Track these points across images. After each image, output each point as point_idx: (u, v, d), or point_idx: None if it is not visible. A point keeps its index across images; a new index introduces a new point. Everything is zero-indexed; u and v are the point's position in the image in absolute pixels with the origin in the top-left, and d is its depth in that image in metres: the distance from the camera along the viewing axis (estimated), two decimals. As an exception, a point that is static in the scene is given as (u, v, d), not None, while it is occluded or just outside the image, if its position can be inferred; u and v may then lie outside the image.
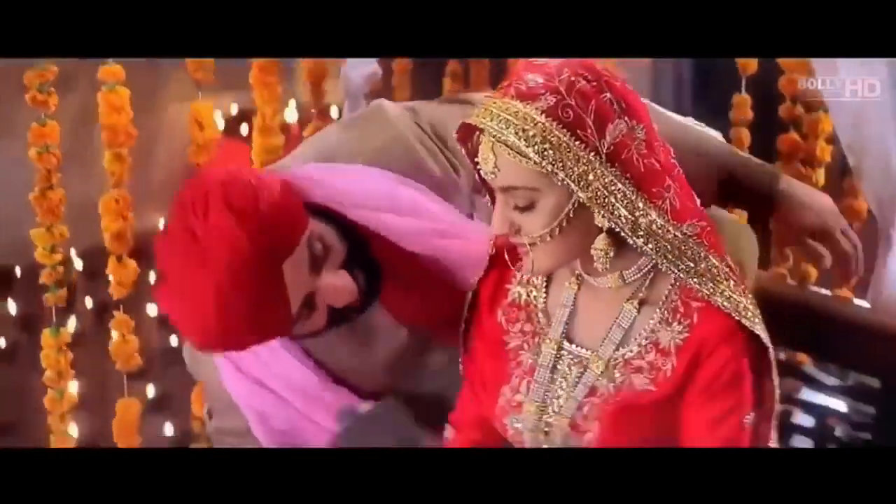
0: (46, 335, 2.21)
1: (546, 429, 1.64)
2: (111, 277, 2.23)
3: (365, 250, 1.80)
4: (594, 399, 1.61)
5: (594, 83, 1.46)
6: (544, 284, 1.68)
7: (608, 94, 1.46)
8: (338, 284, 1.71)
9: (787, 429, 2.53)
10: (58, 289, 2.18)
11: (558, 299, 1.66)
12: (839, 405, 2.49)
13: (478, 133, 1.54)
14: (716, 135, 2.17)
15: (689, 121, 2.16)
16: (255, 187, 1.63)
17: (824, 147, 2.47)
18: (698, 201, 1.58)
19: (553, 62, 1.48)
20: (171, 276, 1.64)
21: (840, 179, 2.50)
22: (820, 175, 2.50)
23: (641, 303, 1.57)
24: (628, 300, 1.58)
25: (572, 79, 1.45)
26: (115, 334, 2.28)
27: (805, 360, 2.60)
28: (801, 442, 2.53)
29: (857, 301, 2.42)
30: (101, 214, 2.21)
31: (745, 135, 2.71)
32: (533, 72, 1.47)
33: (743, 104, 2.72)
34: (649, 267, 1.57)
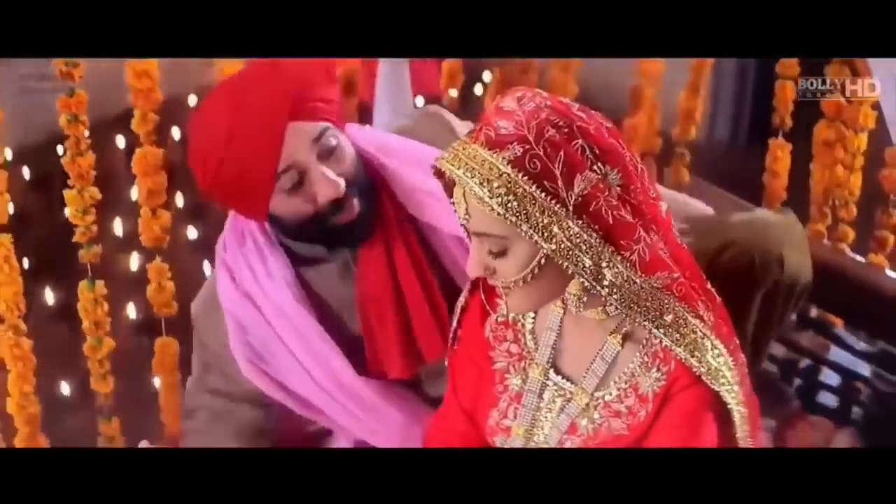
0: (83, 288, 2.30)
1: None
2: (143, 230, 2.30)
3: (373, 193, 1.88)
4: (574, 437, 1.61)
5: (566, 130, 1.41)
6: None
7: (579, 141, 1.41)
8: (324, 178, 1.78)
9: (814, 385, 2.58)
10: (91, 246, 2.24)
11: (545, 321, 1.64)
12: (865, 370, 2.52)
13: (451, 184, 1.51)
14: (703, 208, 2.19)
15: (680, 196, 2.21)
16: (303, 65, 1.81)
17: (868, 113, 2.44)
18: (684, 247, 1.55)
19: (526, 106, 1.43)
20: (203, 106, 1.83)
21: (882, 148, 2.47)
22: (862, 140, 2.47)
23: (625, 338, 1.55)
24: (612, 333, 1.56)
25: (543, 127, 1.41)
26: (152, 282, 2.36)
27: (837, 322, 2.62)
28: (826, 398, 2.57)
29: (889, 272, 2.43)
30: (134, 171, 2.28)
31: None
32: (503, 118, 1.43)
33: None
34: None
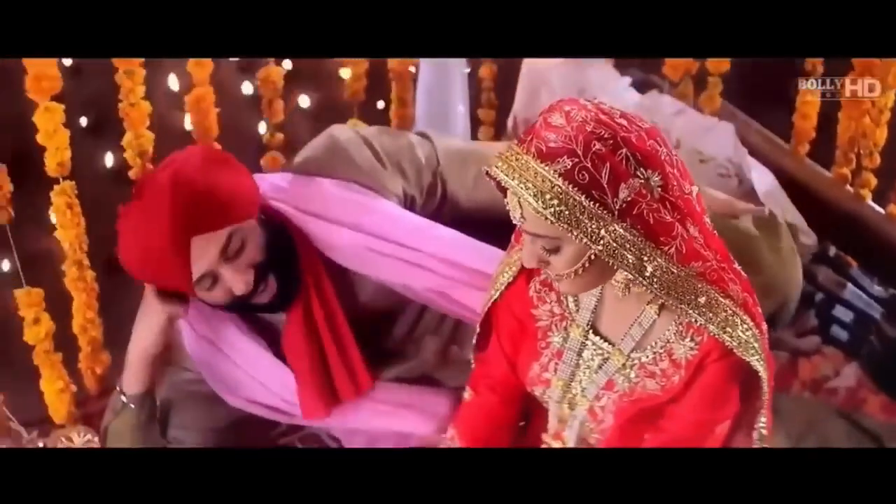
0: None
1: (570, 404, 1.82)
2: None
3: (290, 263, 2.06)
4: (610, 393, 1.77)
5: (610, 142, 1.53)
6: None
7: (623, 151, 1.53)
8: (236, 274, 1.97)
9: (827, 319, 2.70)
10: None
11: None
12: (877, 312, 2.64)
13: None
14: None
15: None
16: (208, 168, 1.95)
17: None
18: (714, 232, 1.67)
19: (574, 121, 1.54)
20: (123, 212, 1.98)
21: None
22: (890, 97, 2.53)
23: (662, 307, 1.69)
24: (649, 303, 1.70)
25: (590, 140, 1.52)
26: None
27: (853, 263, 2.74)
28: (838, 332, 2.69)
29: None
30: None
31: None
32: (552, 132, 1.54)
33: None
34: None
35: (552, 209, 1.52)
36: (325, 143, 2.19)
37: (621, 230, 1.54)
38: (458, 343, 2.27)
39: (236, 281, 1.97)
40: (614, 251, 1.55)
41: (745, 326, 1.65)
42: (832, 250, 2.78)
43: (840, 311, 2.72)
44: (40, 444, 2.33)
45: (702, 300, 1.61)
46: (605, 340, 1.77)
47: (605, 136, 1.53)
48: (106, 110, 2.52)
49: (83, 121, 2.95)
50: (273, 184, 2.14)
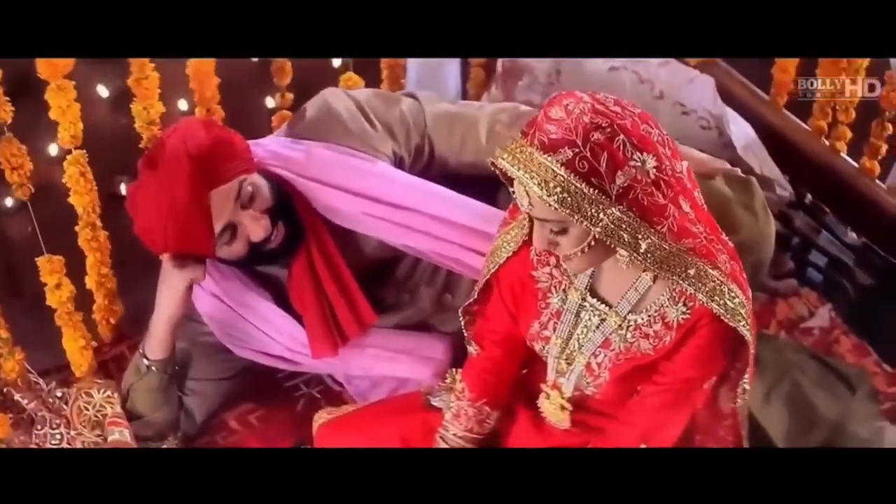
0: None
1: (568, 359, 1.98)
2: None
3: (292, 210, 2.22)
4: (607, 350, 1.93)
5: (608, 130, 1.69)
6: None
7: (620, 137, 1.69)
8: (254, 220, 2.14)
9: (803, 263, 2.87)
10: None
11: None
12: (850, 259, 2.80)
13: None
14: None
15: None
16: (208, 129, 2.14)
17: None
18: (703, 206, 1.83)
19: (573, 113, 1.69)
20: (135, 192, 2.16)
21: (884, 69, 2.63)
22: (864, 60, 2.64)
23: (656, 276, 1.85)
24: (645, 271, 1.86)
25: (588, 131, 1.68)
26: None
27: (828, 211, 2.88)
28: (813, 275, 2.87)
29: (878, 182, 2.66)
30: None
31: None
32: (553, 124, 1.69)
33: None
34: None
35: (556, 196, 1.68)
36: (318, 107, 2.35)
37: (618, 213, 1.70)
38: (450, 292, 2.43)
39: (255, 227, 2.14)
40: (612, 232, 1.71)
41: (733, 295, 1.81)
42: (808, 197, 2.92)
43: (815, 256, 2.88)
44: (59, 395, 2.45)
45: (692, 272, 1.78)
46: (603, 302, 1.93)
47: (603, 125, 1.69)
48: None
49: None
50: (270, 150, 2.29)
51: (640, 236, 1.72)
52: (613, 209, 1.70)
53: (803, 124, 2.84)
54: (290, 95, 2.72)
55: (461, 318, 2.14)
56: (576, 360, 1.97)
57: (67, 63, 2.22)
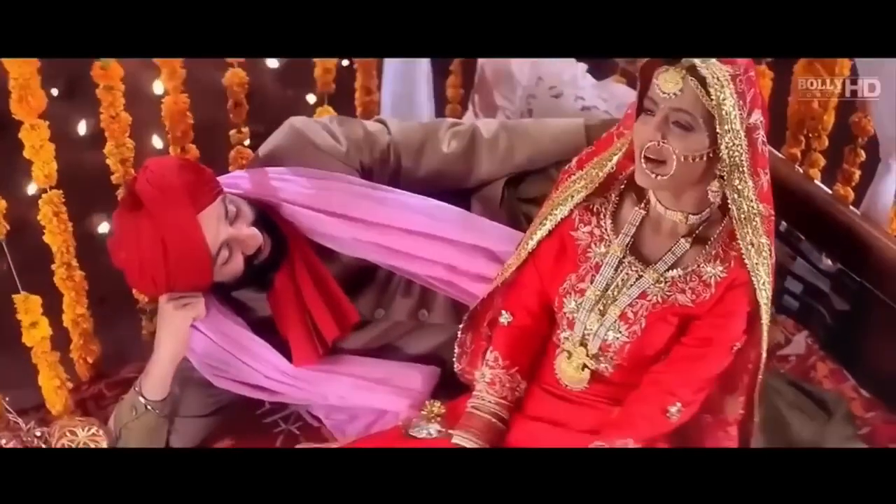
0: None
1: (601, 309, 2.07)
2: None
3: (272, 223, 2.28)
4: (644, 301, 2.05)
5: (753, 76, 1.92)
6: (616, 200, 2.11)
7: (755, 91, 1.91)
8: (244, 235, 2.19)
9: (779, 290, 2.84)
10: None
11: (627, 216, 2.08)
12: (825, 285, 2.80)
13: (661, 70, 1.91)
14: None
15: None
16: (174, 163, 2.22)
17: (845, 62, 2.62)
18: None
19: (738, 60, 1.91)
20: (117, 240, 2.17)
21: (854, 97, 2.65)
22: (837, 84, 2.64)
23: (695, 241, 2.02)
24: (684, 236, 2.03)
25: (748, 67, 1.90)
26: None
27: (802, 238, 2.87)
28: (789, 302, 2.89)
29: (851, 208, 2.67)
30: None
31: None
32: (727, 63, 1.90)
33: None
34: (708, 217, 2.03)
35: (715, 88, 1.85)
36: (286, 131, 2.43)
37: (740, 143, 1.90)
38: (426, 308, 2.46)
39: (248, 238, 2.20)
40: (732, 152, 1.89)
41: (767, 270, 2.00)
42: (783, 225, 2.92)
43: (790, 283, 2.89)
44: (38, 433, 2.44)
45: (756, 240, 1.97)
46: (641, 261, 2.06)
47: (751, 72, 1.92)
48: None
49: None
50: (254, 181, 2.34)
51: (741, 174, 1.91)
52: (739, 139, 1.89)
53: (777, 152, 2.85)
54: (245, 130, 2.79)
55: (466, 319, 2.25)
56: (609, 311, 2.07)
57: (41, 102, 2.23)
